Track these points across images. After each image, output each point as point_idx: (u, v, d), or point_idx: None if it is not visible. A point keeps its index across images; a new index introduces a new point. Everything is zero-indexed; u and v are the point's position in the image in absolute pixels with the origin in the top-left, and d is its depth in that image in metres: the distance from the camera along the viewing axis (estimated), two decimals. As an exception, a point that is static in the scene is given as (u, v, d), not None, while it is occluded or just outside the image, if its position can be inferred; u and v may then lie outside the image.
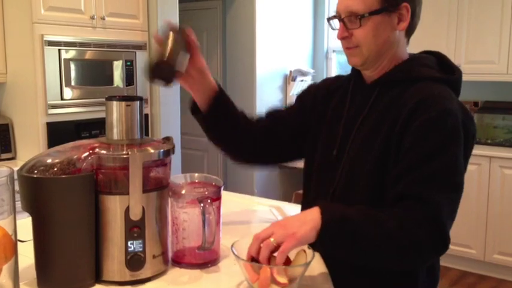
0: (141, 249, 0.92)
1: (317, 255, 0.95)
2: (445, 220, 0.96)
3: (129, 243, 0.91)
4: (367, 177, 1.06)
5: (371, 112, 1.10)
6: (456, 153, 0.99)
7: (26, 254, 0.91)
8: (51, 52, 2.68)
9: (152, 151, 0.93)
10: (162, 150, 0.94)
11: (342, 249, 0.93)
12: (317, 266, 1.02)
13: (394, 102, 1.07)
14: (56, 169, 0.88)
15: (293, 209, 1.46)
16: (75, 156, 0.90)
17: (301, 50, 4.38)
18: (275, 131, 1.27)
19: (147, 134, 3.27)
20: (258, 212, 1.49)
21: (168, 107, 3.36)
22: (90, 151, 0.90)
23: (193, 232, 1.01)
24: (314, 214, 0.92)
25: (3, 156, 2.72)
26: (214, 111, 1.21)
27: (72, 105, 2.80)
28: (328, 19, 1.14)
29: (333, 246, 0.93)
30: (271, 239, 0.89)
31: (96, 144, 0.93)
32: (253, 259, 0.91)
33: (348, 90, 1.19)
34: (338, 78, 1.28)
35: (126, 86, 3.07)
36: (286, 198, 4.05)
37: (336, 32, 1.11)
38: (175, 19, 3.32)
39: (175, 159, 3.46)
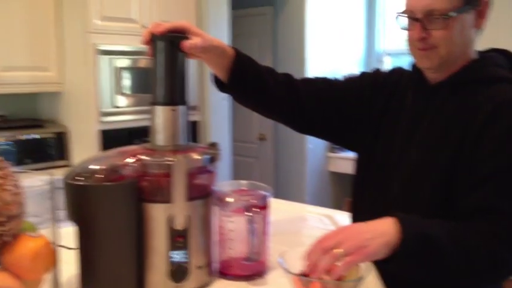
0: (185, 260, 0.88)
1: (371, 268, 0.87)
2: None
3: (172, 253, 0.88)
4: (433, 187, 0.97)
5: (436, 116, 1.01)
6: None
7: (69, 261, 0.89)
8: (104, 61, 2.74)
9: (197, 157, 0.90)
10: (207, 156, 0.91)
11: (418, 269, 0.85)
12: (372, 280, 0.94)
13: (464, 106, 0.98)
14: (99, 176, 0.86)
15: (344, 217, 1.39)
16: (119, 163, 0.88)
17: (353, 53, 4.27)
18: (321, 98, 1.18)
19: (196, 141, 3.28)
20: (308, 221, 1.43)
21: (218, 114, 3.36)
22: (134, 157, 0.88)
23: (240, 242, 0.97)
24: (389, 227, 0.83)
25: (59, 163, 2.80)
26: (235, 82, 1.11)
27: (124, 112, 2.85)
28: (398, 15, 1.03)
29: (409, 265, 0.84)
30: (340, 250, 0.80)
31: (140, 151, 0.90)
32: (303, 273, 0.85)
33: (408, 90, 1.11)
34: (401, 73, 1.18)
35: (177, 93, 3.09)
36: (338, 205, 3.94)
37: (405, 32, 1.02)
38: (226, 25, 3.32)
39: (226, 166, 3.46)
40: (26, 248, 0.74)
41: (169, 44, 0.92)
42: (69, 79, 2.86)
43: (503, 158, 0.90)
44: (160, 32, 0.92)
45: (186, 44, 0.94)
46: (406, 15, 1.01)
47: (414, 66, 1.09)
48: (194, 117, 3.23)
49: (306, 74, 3.90)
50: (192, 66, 3.21)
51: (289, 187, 4.20)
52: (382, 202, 1.06)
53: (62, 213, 0.85)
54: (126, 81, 2.84)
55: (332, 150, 4.23)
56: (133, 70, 2.88)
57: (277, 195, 4.52)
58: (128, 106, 2.86)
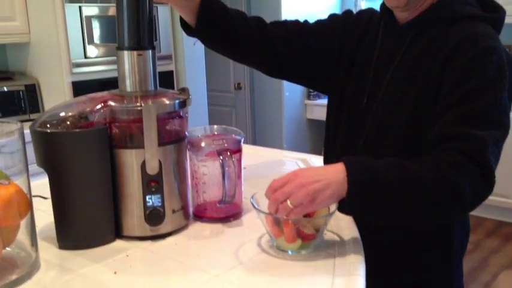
0: (160, 204, 0.90)
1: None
2: (490, 156, 0.85)
3: (147, 197, 0.89)
4: (402, 125, 0.98)
5: (406, 56, 1.01)
6: (502, 92, 0.90)
7: (47, 211, 0.89)
8: (72, 9, 2.64)
9: (167, 102, 0.89)
10: (177, 101, 0.90)
11: (372, 213, 0.85)
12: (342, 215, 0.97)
13: (432, 44, 0.98)
14: (68, 123, 0.85)
15: (319, 161, 1.41)
16: (88, 109, 0.86)
17: (326, 5, 4.20)
18: (292, 41, 1.16)
19: (172, 88, 3.24)
20: (284, 165, 1.45)
21: (193, 63, 3.30)
22: (102, 104, 0.86)
23: (214, 186, 0.98)
24: (338, 174, 0.83)
25: (32, 116, 2.74)
26: (202, 26, 1.09)
27: (96, 63, 2.78)
28: None
29: (362, 210, 0.85)
30: (289, 202, 0.81)
31: (109, 97, 0.89)
32: None
33: (378, 31, 1.10)
34: (372, 13, 1.17)
35: (150, 42, 3.02)
36: (315, 152, 3.99)
37: None
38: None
39: (202, 115, 3.44)
40: (-2, 195, 0.73)
41: None
42: (37, 29, 2.76)
43: (466, 86, 0.90)
44: None
45: None
46: None
47: (384, 6, 1.08)
48: (169, 67, 3.18)
49: (280, 18, 3.84)
50: (164, 14, 3.13)
51: (267, 135, 4.23)
52: (354, 144, 1.08)
53: (35, 164, 0.85)
54: (97, 30, 2.76)
55: (309, 97, 4.24)
56: (104, 19, 2.78)
57: (255, 144, 4.56)
58: (99, 56, 2.79)
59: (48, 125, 0.84)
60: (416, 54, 1.00)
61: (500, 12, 1.01)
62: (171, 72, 3.21)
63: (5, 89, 2.67)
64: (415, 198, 0.83)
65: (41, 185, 0.95)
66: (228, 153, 0.95)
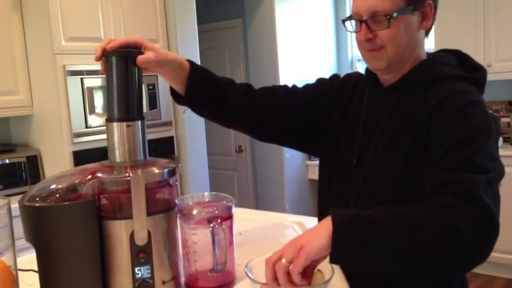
0: (149, 275, 0.88)
1: (338, 271, 0.88)
2: (483, 195, 0.82)
3: (136, 269, 0.87)
4: (392, 184, 0.99)
5: (391, 118, 1.04)
6: (488, 141, 0.91)
7: (34, 285, 0.88)
8: (74, 82, 2.72)
9: (156, 171, 0.90)
10: (165, 170, 0.91)
11: (363, 256, 0.81)
12: (339, 283, 0.95)
13: (415, 105, 1.00)
14: (57, 196, 0.85)
15: (315, 223, 1.40)
16: (77, 181, 0.87)
17: (324, 60, 4.32)
18: (281, 106, 1.19)
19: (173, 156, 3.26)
20: (279, 230, 1.43)
21: (193, 129, 3.35)
22: (91, 175, 0.87)
23: (205, 254, 0.97)
24: (326, 223, 0.83)
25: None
26: (191, 94, 1.12)
27: (97, 132, 2.83)
28: (343, 21, 1.07)
29: (352, 254, 0.81)
30: (283, 260, 0.82)
31: (99, 168, 0.90)
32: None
33: (363, 94, 1.13)
34: (358, 76, 1.21)
35: (150, 109, 3.09)
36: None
37: (354, 34, 1.06)
38: (195, 40, 3.33)
39: (203, 180, 3.45)
40: (-18, 273, 0.73)
41: (121, 60, 0.92)
42: (39, 102, 2.83)
43: (453, 137, 0.90)
44: (112, 47, 0.92)
45: (139, 58, 0.94)
46: (352, 19, 1.04)
47: (368, 69, 1.12)
48: (169, 133, 3.22)
49: (279, 83, 3.94)
50: (164, 82, 3.21)
51: (269, 197, 4.21)
52: (345, 204, 1.07)
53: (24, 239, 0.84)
54: (98, 100, 2.83)
55: (310, 158, 4.26)
56: (105, 89, 2.86)
57: (258, 206, 4.49)
58: (100, 126, 2.84)
59: (37, 199, 0.85)
60: (401, 115, 1.02)
61: (481, 72, 1.04)
62: (172, 137, 3.26)
63: (7, 161, 2.70)
64: (401, 235, 0.79)
65: (32, 258, 0.93)
66: (219, 220, 0.94)
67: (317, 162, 4.14)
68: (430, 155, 0.93)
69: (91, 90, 2.80)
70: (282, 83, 4.00)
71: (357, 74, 1.22)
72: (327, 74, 1.29)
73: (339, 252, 0.81)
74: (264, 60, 4.07)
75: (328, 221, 0.83)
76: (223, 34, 4.34)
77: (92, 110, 2.81)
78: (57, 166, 2.77)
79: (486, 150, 0.90)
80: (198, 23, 3.38)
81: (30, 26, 2.76)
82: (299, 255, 0.80)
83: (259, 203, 4.29)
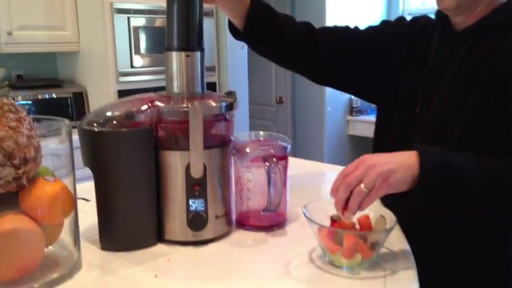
0: (203, 209, 0.87)
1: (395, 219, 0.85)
2: None
3: (190, 201, 0.86)
4: (458, 137, 0.93)
5: (463, 64, 0.96)
6: None
7: (91, 213, 0.89)
8: (121, 20, 2.70)
9: (214, 104, 0.87)
10: (224, 103, 0.88)
11: (443, 200, 0.78)
12: (397, 232, 0.92)
13: (491, 53, 0.92)
14: (114, 122, 0.84)
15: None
16: (134, 109, 0.86)
17: (374, 13, 4.15)
18: (341, 47, 1.14)
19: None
20: (327, 177, 1.40)
21: (235, 76, 3.32)
22: (149, 104, 0.85)
23: (258, 193, 0.95)
24: (410, 158, 0.78)
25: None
26: (250, 30, 1.08)
27: (142, 73, 2.83)
28: None
29: (433, 196, 0.78)
30: (362, 186, 0.76)
31: (156, 97, 0.88)
32: (331, 222, 0.83)
33: (433, 38, 1.05)
34: (426, 21, 1.12)
35: (194, 53, 3.06)
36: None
37: None
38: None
39: (244, 128, 3.44)
40: (43, 191, 0.73)
41: None
42: (86, 39, 2.84)
43: None
44: None
45: None
46: None
47: (439, 12, 1.04)
48: (212, 78, 3.20)
49: (325, 24, 3.82)
50: (209, 26, 3.16)
51: (308, 151, 4.18)
52: None
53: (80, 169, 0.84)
54: (143, 40, 2.81)
55: (351, 113, 4.17)
56: (151, 29, 2.84)
57: (295, 155, 4.45)
58: (145, 66, 2.84)
59: (95, 124, 0.84)
60: (475, 62, 0.95)
61: None
62: (214, 83, 3.23)
63: (54, 95, 2.74)
64: (489, 190, 0.78)
65: (84, 187, 0.94)
66: (274, 159, 0.92)
67: (358, 117, 4.10)
68: (507, 109, 0.87)
69: (137, 29, 2.77)
70: (328, 24, 3.87)
71: (425, 18, 1.14)
72: (375, 16, 1.22)
73: (420, 193, 0.78)
74: (311, 6, 3.94)
75: (414, 158, 0.78)
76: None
77: (138, 50, 2.80)
78: (102, 103, 2.80)
79: None
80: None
81: (80, -40, 2.73)
82: (382, 186, 0.76)
83: (297, 155, 4.27)
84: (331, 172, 1.42)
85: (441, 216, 0.84)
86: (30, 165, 0.71)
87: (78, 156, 0.82)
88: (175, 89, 0.89)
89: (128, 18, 2.74)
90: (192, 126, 0.83)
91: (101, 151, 0.83)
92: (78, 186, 0.81)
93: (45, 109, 2.68)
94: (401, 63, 1.09)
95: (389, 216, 0.82)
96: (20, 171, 0.70)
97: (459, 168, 0.78)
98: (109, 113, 0.86)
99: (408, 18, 1.18)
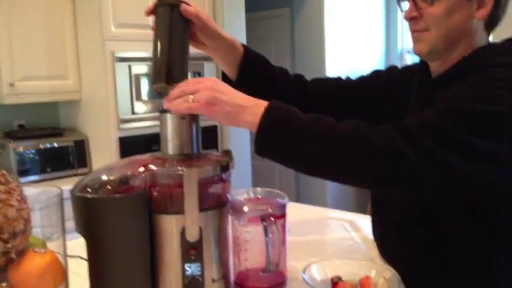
0: (199, 273, 0.85)
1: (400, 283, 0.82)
2: (422, 130, 0.78)
3: (186, 266, 0.84)
4: None
5: None
6: (495, 121, 0.79)
7: (85, 275, 0.86)
8: (122, 68, 2.74)
9: (209, 166, 0.86)
10: (219, 165, 0.87)
11: (281, 146, 0.83)
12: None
13: None
14: (109, 187, 0.83)
15: (367, 221, 1.33)
16: (129, 173, 0.84)
17: (373, 52, 4.20)
18: (332, 97, 1.15)
19: (216, 147, 3.25)
20: (329, 227, 1.38)
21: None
22: (143, 167, 0.84)
23: (257, 252, 0.93)
24: (257, 111, 0.84)
25: (80, 171, 2.80)
26: (243, 80, 1.09)
27: (143, 119, 2.84)
28: (398, 0, 1.01)
29: (270, 141, 0.83)
30: (190, 97, 0.83)
31: (150, 160, 0.87)
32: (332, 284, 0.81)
33: (411, 85, 1.06)
34: (414, 69, 1.13)
35: (195, 98, 3.07)
36: (361, 208, 3.86)
37: (405, 25, 0.98)
38: (242, 28, 3.29)
39: (246, 170, 3.42)
40: (32, 264, 0.71)
41: (168, 9, 0.94)
42: (87, 87, 2.87)
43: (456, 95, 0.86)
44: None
45: (185, 6, 0.95)
46: None
47: (421, 60, 1.04)
48: (212, 122, 3.21)
49: (325, 75, 3.85)
50: (210, 70, 3.19)
51: (311, 190, 4.14)
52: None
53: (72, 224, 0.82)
54: (145, 87, 2.84)
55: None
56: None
57: (299, 199, 4.42)
58: (146, 112, 2.85)
59: (88, 189, 0.82)
60: None
61: None
62: (215, 126, 3.24)
63: (56, 144, 2.75)
64: (321, 137, 0.81)
65: (80, 244, 0.92)
66: (272, 218, 0.90)
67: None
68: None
69: (138, 77, 2.81)
70: (328, 75, 3.92)
71: (414, 66, 1.14)
72: (375, 67, 1.23)
73: (259, 142, 0.83)
74: (310, 51, 3.99)
75: (259, 110, 0.84)
76: (270, 23, 4.28)
77: (139, 97, 2.82)
78: (103, 151, 2.81)
79: (503, 115, 0.79)
80: (245, 11, 3.34)
81: (81, 12, 2.79)
82: (206, 107, 0.83)
83: (300, 196, 4.24)
84: (333, 221, 1.39)
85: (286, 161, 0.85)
86: (19, 238, 0.70)
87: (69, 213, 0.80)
88: (170, 151, 0.88)
89: (129, 66, 2.77)
90: (186, 190, 0.82)
91: (94, 218, 0.81)
92: (75, 241, 0.79)
93: (47, 158, 2.68)
94: (390, 112, 1.09)
95: (392, 278, 0.80)
96: (9, 245, 0.68)
97: (297, 119, 0.83)
98: (103, 178, 0.84)
99: (407, 56, 1.19)
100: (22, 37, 2.60)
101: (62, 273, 0.74)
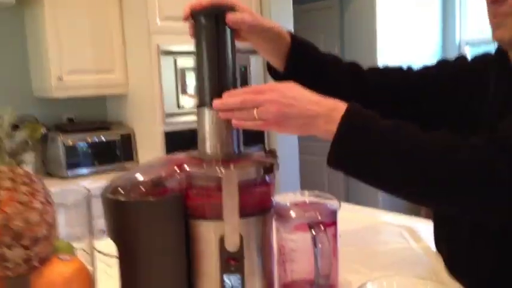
0: (239, 286, 0.76)
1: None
2: None
3: (225, 277, 0.76)
4: None
5: None
6: None
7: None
8: (168, 61, 2.70)
9: (251, 168, 0.77)
10: (262, 166, 0.78)
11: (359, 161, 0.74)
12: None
13: None
14: (142, 189, 0.76)
15: (428, 228, 1.21)
16: (163, 174, 0.77)
17: (428, 44, 3.98)
18: (394, 90, 1.03)
19: (263, 142, 3.16)
20: (384, 234, 1.26)
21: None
22: (178, 168, 0.76)
23: (305, 263, 0.83)
24: (334, 112, 0.74)
25: (127, 165, 2.79)
26: (292, 71, 0.98)
27: (188, 113, 2.79)
28: None
29: (347, 156, 0.75)
30: (255, 112, 0.74)
31: (187, 160, 0.79)
32: None
33: (487, 77, 0.92)
34: (488, 58, 1.00)
35: (241, 92, 3.01)
36: (414, 209, 3.69)
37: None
38: (289, 20, 3.18)
39: (293, 166, 3.32)
40: (57, 273, 0.65)
41: (213, 21, 0.79)
42: (134, 81, 2.85)
43: None
44: (202, 6, 0.80)
45: (230, 16, 0.81)
46: None
47: (498, 48, 0.91)
48: (259, 117, 3.12)
49: (376, 64, 3.69)
50: (257, 63, 3.11)
51: (361, 186, 3.99)
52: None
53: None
54: (190, 81, 2.79)
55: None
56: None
57: (348, 197, 4.27)
58: (192, 107, 2.81)
59: (121, 191, 0.76)
60: None
61: None
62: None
63: (103, 138, 2.75)
64: (405, 156, 0.71)
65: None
66: (321, 226, 0.80)
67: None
68: None
69: (183, 70, 2.76)
70: (379, 63, 3.75)
71: (487, 55, 1.01)
72: (430, 60, 1.09)
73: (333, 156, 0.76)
74: (360, 43, 3.84)
75: (335, 115, 0.74)
76: (318, 15, 4.14)
77: (184, 91, 2.78)
78: (149, 146, 2.79)
79: None
80: (293, 3, 3.23)
81: (128, 4, 2.77)
82: (272, 126, 0.75)
83: (350, 193, 4.10)
84: (388, 228, 1.28)
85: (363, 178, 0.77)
86: (42, 244, 0.64)
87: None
88: (208, 150, 0.80)
89: (175, 59, 2.73)
90: (225, 194, 0.73)
91: (124, 222, 0.74)
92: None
93: (95, 152, 2.69)
94: (461, 106, 0.96)
95: None
96: (31, 252, 0.62)
97: (379, 129, 0.73)
98: (136, 179, 0.77)
99: (467, 48, 1.06)
100: (69, 31, 2.61)
101: (89, 283, 0.68)
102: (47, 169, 2.69)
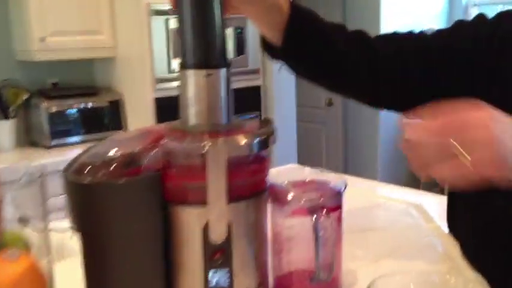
0: (227, 283, 0.65)
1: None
2: None
3: (210, 273, 0.64)
4: None
5: None
6: None
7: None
8: (158, 22, 2.54)
9: (242, 141, 0.64)
10: (256, 139, 0.65)
11: None
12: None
13: None
14: (111, 168, 0.63)
15: (437, 206, 1.09)
16: (137, 149, 0.64)
17: (433, 6, 3.80)
18: (408, 61, 0.89)
19: (259, 109, 3.03)
20: (390, 213, 1.14)
21: (281, 77, 3.08)
22: (157, 142, 0.64)
23: (304, 252, 0.72)
24: None
25: (114, 133, 2.67)
26: (290, 45, 0.83)
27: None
28: None
29: None
30: (467, 156, 0.55)
31: (167, 132, 0.66)
32: None
33: None
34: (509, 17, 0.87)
35: (237, 55, 2.85)
36: (415, 178, 3.59)
37: None
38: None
39: (291, 134, 3.21)
40: (2, 275, 0.53)
41: None
42: (123, 43, 2.69)
43: None
44: None
45: None
46: None
47: None
48: (256, 82, 2.98)
49: (379, 30, 3.53)
50: (252, 26, 2.95)
51: (360, 157, 3.90)
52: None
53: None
54: (182, 43, 2.63)
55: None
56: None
57: (346, 168, 4.18)
58: (184, 71, 2.66)
59: (85, 171, 0.63)
60: None
61: None
62: (258, 87, 3.01)
63: (90, 105, 2.61)
64: None
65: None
66: (324, 210, 0.68)
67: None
68: None
69: (175, 31, 2.60)
70: (382, 29, 3.59)
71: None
72: (436, 23, 0.94)
73: None
74: (363, 5, 3.67)
75: None
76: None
77: (176, 54, 2.62)
78: (139, 113, 2.65)
79: None
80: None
81: (115, -40, 2.58)
82: (493, 170, 0.54)
83: (348, 164, 4.00)
84: (394, 206, 1.16)
85: None
86: (-18, 240, 0.51)
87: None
88: (192, 120, 0.67)
89: (166, 20, 2.57)
90: (211, 173, 0.61)
91: (91, 209, 0.62)
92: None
93: (81, 119, 2.55)
94: (486, 77, 0.83)
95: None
96: (-34, 250, 0.50)
97: None
98: (106, 155, 0.65)
99: (474, 10, 0.91)
100: (52, -12, 2.43)
101: (42, 284, 0.56)
102: (30, 138, 2.55)
